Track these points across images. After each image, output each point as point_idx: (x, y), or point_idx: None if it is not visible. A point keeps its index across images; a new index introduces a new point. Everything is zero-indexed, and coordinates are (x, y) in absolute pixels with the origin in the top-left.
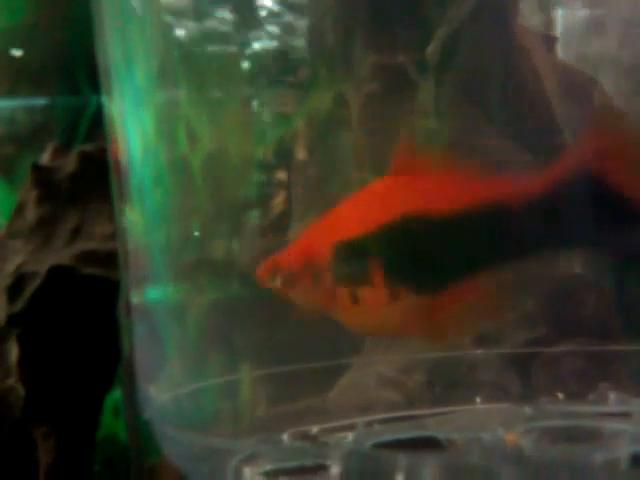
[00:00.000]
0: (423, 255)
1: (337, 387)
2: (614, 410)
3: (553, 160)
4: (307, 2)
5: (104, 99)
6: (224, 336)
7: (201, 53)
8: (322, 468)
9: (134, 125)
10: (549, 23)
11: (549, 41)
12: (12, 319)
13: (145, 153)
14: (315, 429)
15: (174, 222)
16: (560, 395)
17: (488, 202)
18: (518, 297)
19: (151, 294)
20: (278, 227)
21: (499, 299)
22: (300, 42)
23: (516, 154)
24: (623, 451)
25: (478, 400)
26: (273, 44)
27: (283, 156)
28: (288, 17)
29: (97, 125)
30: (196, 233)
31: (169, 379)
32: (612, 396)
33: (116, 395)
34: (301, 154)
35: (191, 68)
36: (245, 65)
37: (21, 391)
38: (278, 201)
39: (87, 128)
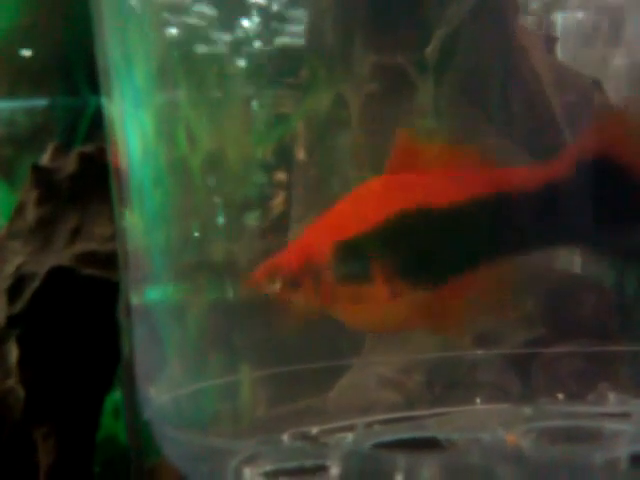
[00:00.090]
0: (423, 250)
1: (337, 388)
2: (613, 410)
3: (552, 156)
4: (307, 2)
5: (103, 100)
6: (224, 337)
7: (200, 54)
8: (322, 469)
9: (133, 126)
10: (549, 24)
11: (549, 42)
12: (12, 320)
13: (145, 154)
14: (315, 430)
15: (174, 223)
16: (560, 395)
17: (487, 195)
18: (518, 297)
19: (151, 295)
20: (278, 228)
21: (499, 292)
22: (300, 42)
23: (515, 154)
24: (622, 451)
25: (478, 400)
26: (272, 44)
27: (283, 157)
28: (287, 17)
29: (97, 126)
30: (196, 234)
31: (169, 380)
32: (611, 396)
33: (116, 396)
34: (301, 154)
35: (190, 69)
36: (244, 65)
37: (21, 392)
38: (278, 202)
39: (87, 129)
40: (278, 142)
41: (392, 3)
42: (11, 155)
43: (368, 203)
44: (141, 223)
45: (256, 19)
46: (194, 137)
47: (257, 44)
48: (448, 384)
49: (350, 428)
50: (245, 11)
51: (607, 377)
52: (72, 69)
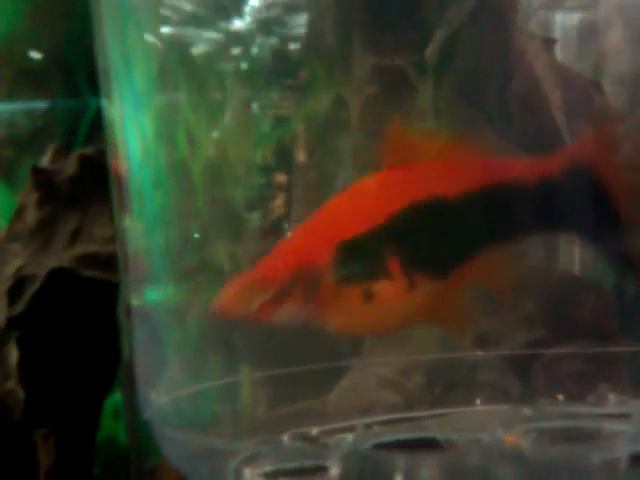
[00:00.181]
0: (435, 239)
1: (337, 389)
2: (613, 411)
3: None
4: (306, 4)
5: (103, 102)
6: (224, 338)
7: (200, 56)
8: (321, 469)
9: (133, 128)
10: (548, 25)
11: (548, 43)
12: (12, 322)
13: (144, 156)
14: (315, 430)
15: (173, 225)
16: (560, 396)
17: (491, 183)
18: (518, 298)
19: (151, 296)
20: (278, 229)
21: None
22: (299, 44)
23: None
24: (622, 451)
25: (478, 402)
26: (272, 46)
27: (283, 158)
28: (287, 19)
29: (97, 128)
30: (196, 236)
31: (169, 380)
32: (611, 397)
33: (116, 397)
34: (301, 156)
35: (190, 71)
36: (244, 68)
37: (21, 394)
38: (278, 203)
39: (87, 131)
40: (278, 144)
41: (392, 5)
42: (11, 157)
43: (373, 198)
44: (141, 225)
45: (256, 21)
46: (194, 139)
47: (257, 46)
48: (448, 385)
49: (350, 429)
50: (244, 13)
51: (607, 378)
52: (72, 71)
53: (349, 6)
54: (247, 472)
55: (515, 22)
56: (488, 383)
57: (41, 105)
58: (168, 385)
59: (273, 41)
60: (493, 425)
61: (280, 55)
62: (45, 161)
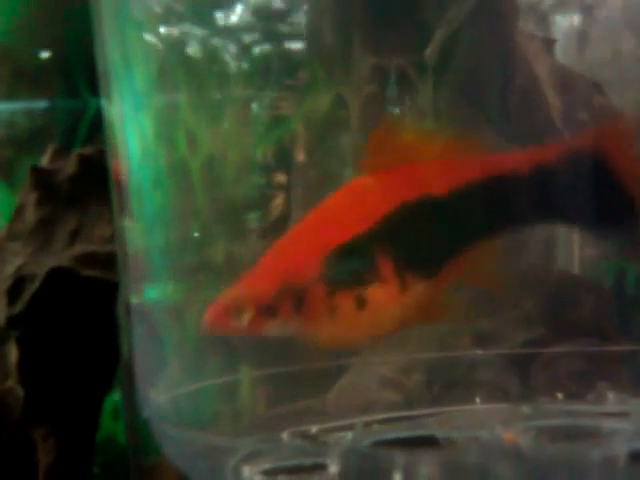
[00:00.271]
0: (426, 238)
1: (337, 388)
2: (612, 410)
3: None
4: (306, 4)
5: (103, 102)
6: (223, 337)
7: (199, 56)
8: (320, 467)
9: (133, 128)
10: (549, 26)
11: (548, 43)
12: (11, 321)
13: (144, 156)
14: (314, 429)
15: (173, 224)
16: (559, 395)
17: (481, 179)
18: (518, 297)
19: (150, 295)
20: (277, 229)
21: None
22: (299, 44)
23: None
24: (621, 449)
25: (477, 400)
26: (272, 46)
27: (282, 158)
28: (287, 19)
29: (96, 128)
30: (195, 236)
31: (168, 379)
32: (610, 396)
33: (115, 397)
34: (300, 156)
35: (189, 71)
36: (244, 67)
37: (20, 392)
38: (277, 203)
39: (86, 131)
40: (277, 144)
41: (391, 5)
42: (11, 157)
43: (359, 202)
44: (140, 224)
45: (255, 21)
46: (193, 139)
47: (256, 46)
48: (447, 384)
49: (349, 427)
50: (244, 13)
51: (606, 377)
52: (72, 71)
53: (349, 6)
54: (246, 470)
55: (515, 22)
56: (487, 382)
57: (40, 105)
58: (167, 383)
59: (273, 41)
60: (492, 423)
61: (279, 55)
62: (44, 161)
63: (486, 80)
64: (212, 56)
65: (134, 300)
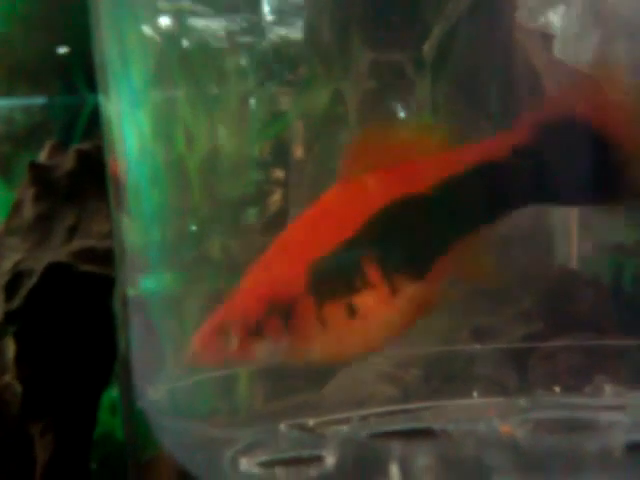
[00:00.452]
0: (413, 238)
1: (334, 381)
2: (609, 403)
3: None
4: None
5: (101, 99)
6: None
7: (197, 51)
8: (317, 459)
9: (131, 124)
10: (546, 21)
11: (546, 39)
12: (9, 316)
13: (141, 152)
14: (311, 422)
15: (170, 220)
16: (557, 389)
17: (460, 172)
18: (516, 292)
19: (147, 289)
20: (275, 225)
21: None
22: (297, 39)
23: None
24: (617, 441)
25: (475, 394)
26: (270, 42)
27: (280, 154)
28: (285, 15)
29: (94, 124)
30: (192, 232)
31: (166, 371)
32: (608, 389)
33: (113, 393)
34: (298, 152)
35: (187, 67)
36: (242, 63)
37: (18, 388)
38: (275, 199)
39: (84, 127)
40: (276, 139)
41: (390, 0)
42: (9, 153)
43: (340, 210)
44: (138, 220)
45: (253, 16)
46: (191, 135)
47: (254, 41)
48: (445, 378)
49: (347, 421)
50: (242, 8)
51: (603, 370)
52: (70, 67)
53: (347, 1)
54: (243, 461)
55: (513, 18)
56: (485, 376)
57: (39, 101)
58: (165, 375)
59: (271, 36)
60: (489, 415)
61: (278, 50)
62: (42, 157)
63: (484, 75)
64: (209, 52)
65: (131, 293)
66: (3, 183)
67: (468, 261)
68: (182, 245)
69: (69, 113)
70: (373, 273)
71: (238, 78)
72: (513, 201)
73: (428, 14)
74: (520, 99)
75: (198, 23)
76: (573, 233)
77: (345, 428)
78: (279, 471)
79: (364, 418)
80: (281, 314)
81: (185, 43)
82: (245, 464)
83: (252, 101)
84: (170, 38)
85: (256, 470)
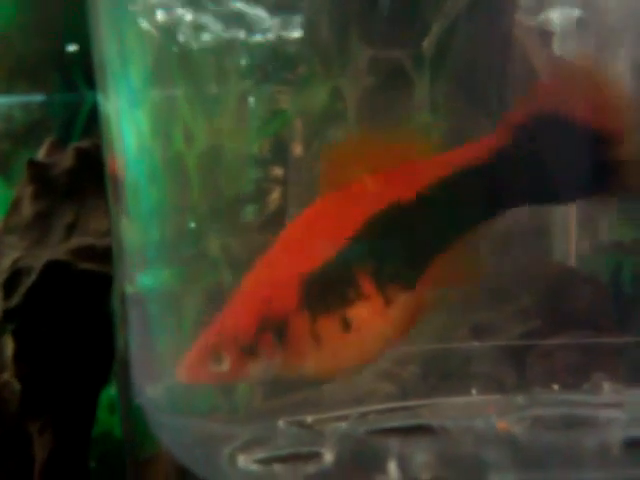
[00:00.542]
0: (403, 247)
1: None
2: (607, 400)
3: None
4: None
5: (99, 97)
6: None
7: (195, 50)
8: (316, 455)
9: (129, 123)
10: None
11: (546, 36)
12: (8, 314)
13: (140, 150)
14: (310, 419)
15: (169, 218)
16: (555, 386)
17: (445, 177)
18: (514, 290)
19: (145, 288)
20: (274, 223)
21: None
22: (296, 37)
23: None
24: (616, 436)
25: (473, 392)
26: (269, 40)
27: (279, 152)
28: (284, 12)
29: (93, 121)
30: (191, 229)
31: (164, 368)
32: (606, 386)
33: (111, 391)
34: (297, 150)
35: (186, 65)
36: (240, 61)
37: (16, 386)
38: (274, 197)
39: (83, 124)
40: (274, 137)
41: None
42: (8, 150)
43: (330, 221)
44: (136, 217)
45: (252, 14)
46: (190, 133)
47: (253, 39)
48: (443, 375)
49: (345, 418)
50: (240, 6)
51: (601, 368)
52: (69, 65)
53: None
54: (241, 458)
55: (513, 14)
56: (483, 373)
57: (38, 99)
58: (163, 372)
59: (270, 34)
60: (486, 412)
61: (277, 48)
62: (41, 154)
63: (483, 72)
64: (208, 50)
65: (129, 290)
66: (2, 181)
67: (461, 266)
68: (180, 242)
69: (68, 111)
70: (365, 284)
71: (236, 76)
72: (503, 203)
73: (427, 11)
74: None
75: (197, 21)
76: (571, 231)
77: (343, 425)
78: (277, 468)
79: (362, 415)
80: (274, 330)
81: (183, 42)
82: (243, 461)
83: (251, 99)
84: (168, 37)
85: (254, 467)
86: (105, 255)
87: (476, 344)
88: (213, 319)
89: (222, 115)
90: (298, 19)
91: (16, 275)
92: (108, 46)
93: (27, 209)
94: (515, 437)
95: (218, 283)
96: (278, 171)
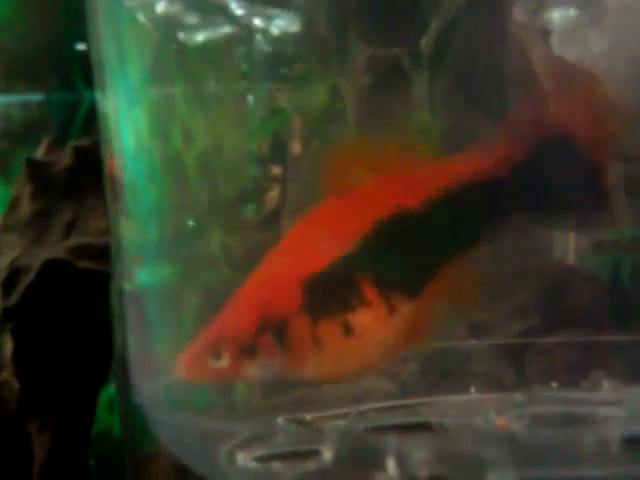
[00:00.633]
0: (407, 254)
1: None
2: (606, 397)
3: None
4: None
5: (97, 95)
6: None
7: (194, 48)
8: (315, 453)
9: (127, 121)
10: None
11: (544, 34)
12: (6, 313)
13: (138, 149)
14: (309, 417)
15: (167, 216)
16: (554, 384)
17: (452, 186)
18: (514, 288)
19: (144, 286)
20: (272, 221)
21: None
22: (294, 35)
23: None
24: (615, 433)
25: (472, 390)
26: (267, 38)
27: (278, 150)
28: (282, 11)
29: (92, 120)
30: (189, 228)
31: (163, 366)
32: (605, 384)
33: (110, 390)
34: (296, 148)
35: (184, 63)
36: (239, 60)
37: (15, 385)
38: (272, 195)
39: (82, 123)
40: (273, 135)
41: None
42: (6, 149)
43: (335, 224)
44: (134, 216)
45: (250, 12)
46: (188, 132)
47: (251, 38)
48: (442, 373)
49: (344, 416)
50: (238, 5)
51: (600, 366)
52: (67, 64)
53: None
54: (240, 456)
55: (511, 12)
56: (482, 372)
57: (36, 98)
58: (162, 370)
59: (268, 33)
60: (485, 409)
61: (275, 47)
62: (40, 153)
63: (482, 70)
64: (206, 48)
65: (127, 288)
66: (0, 179)
67: (464, 277)
68: (179, 241)
69: (66, 109)
70: (368, 290)
71: (235, 75)
72: (510, 219)
73: (426, 9)
74: (519, 95)
75: (195, 20)
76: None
77: (343, 423)
78: (276, 465)
79: (362, 413)
80: (274, 332)
81: (182, 40)
82: (242, 458)
83: (249, 97)
84: (167, 35)
85: (253, 464)
86: (104, 254)
87: (475, 342)
88: (213, 317)
89: (220, 114)
90: (297, 17)
91: (15, 274)
92: (106, 45)
93: (26, 208)
94: (514, 435)
95: (216, 281)
96: (277, 170)
